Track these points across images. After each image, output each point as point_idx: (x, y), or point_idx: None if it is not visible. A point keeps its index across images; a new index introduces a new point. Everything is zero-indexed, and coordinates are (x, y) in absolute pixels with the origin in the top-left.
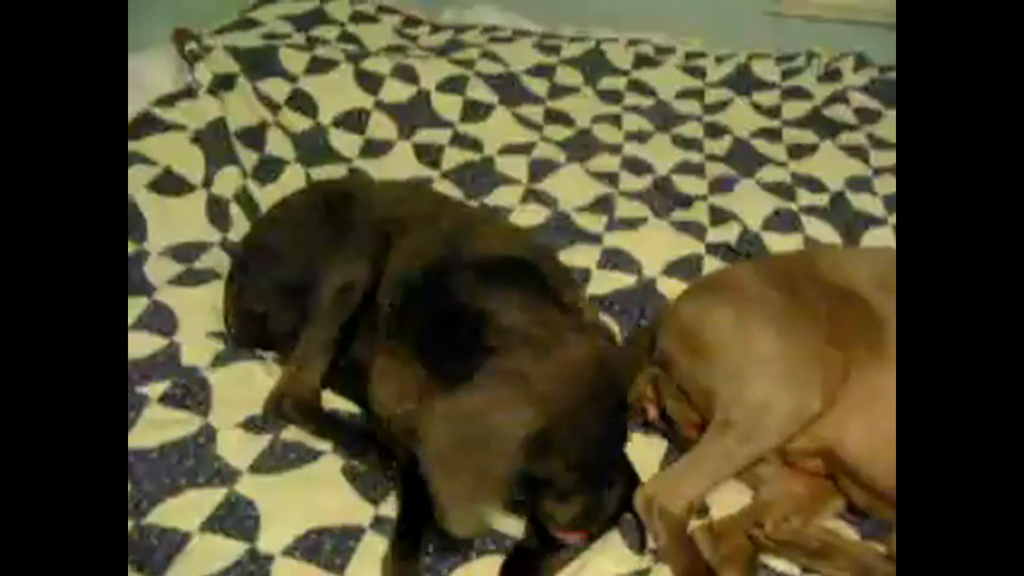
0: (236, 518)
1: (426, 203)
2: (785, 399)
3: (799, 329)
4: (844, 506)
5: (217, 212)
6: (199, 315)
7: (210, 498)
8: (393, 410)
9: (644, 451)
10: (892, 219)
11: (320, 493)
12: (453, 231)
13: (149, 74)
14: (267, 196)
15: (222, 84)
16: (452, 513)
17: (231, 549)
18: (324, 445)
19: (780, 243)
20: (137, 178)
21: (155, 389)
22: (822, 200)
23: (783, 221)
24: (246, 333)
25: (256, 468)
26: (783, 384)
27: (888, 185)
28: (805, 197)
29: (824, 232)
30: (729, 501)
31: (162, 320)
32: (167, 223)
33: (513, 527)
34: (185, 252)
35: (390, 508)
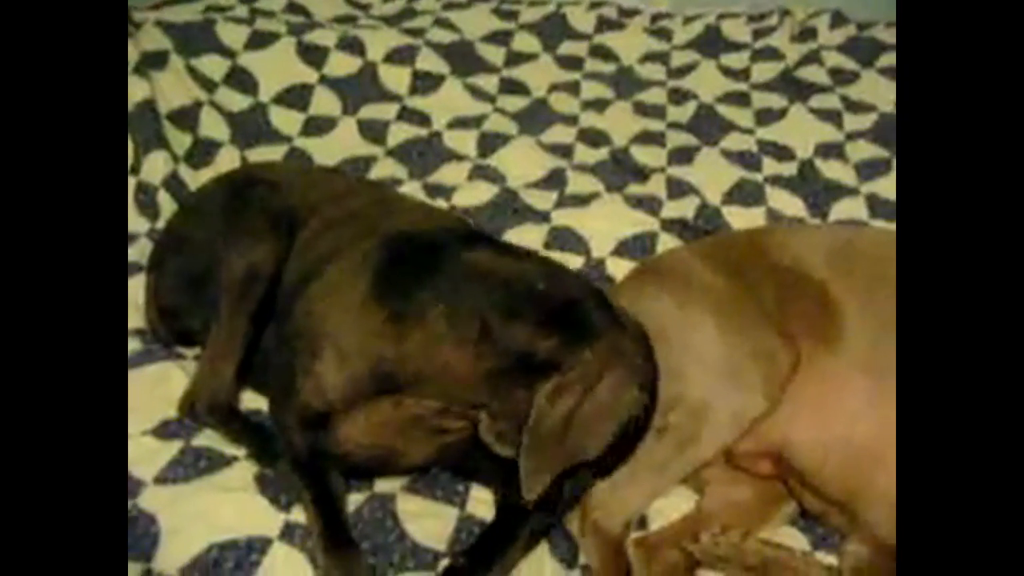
0: (134, 536)
1: (338, 186)
2: (725, 400)
3: (743, 320)
4: (797, 511)
5: (145, 200)
6: None
7: None
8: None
9: None
10: (864, 189)
11: (228, 503)
12: (366, 209)
13: None
14: (199, 181)
15: (152, 63)
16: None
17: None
18: (239, 450)
19: (741, 217)
20: None
21: None
22: (789, 169)
23: (745, 193)
24: (166, 329)
25: (162, 479)
26: (723, 383)
27: (861, 150)
28: (771, 166)
29: (789, 204)
30: (671, 507)
31: None
32: None
33: None
34: None
35: (301, 514)
